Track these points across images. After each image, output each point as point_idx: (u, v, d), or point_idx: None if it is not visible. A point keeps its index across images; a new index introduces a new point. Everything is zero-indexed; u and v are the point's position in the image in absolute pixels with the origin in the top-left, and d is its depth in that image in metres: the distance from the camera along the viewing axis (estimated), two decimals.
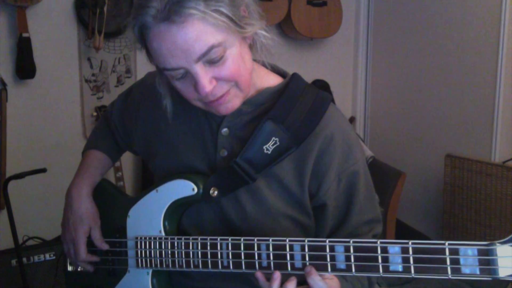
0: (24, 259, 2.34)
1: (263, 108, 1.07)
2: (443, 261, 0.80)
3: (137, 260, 1.16)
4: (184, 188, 1.09)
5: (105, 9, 2.72)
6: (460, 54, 2.98)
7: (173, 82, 1.00)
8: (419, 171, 3.29)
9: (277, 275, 0.92)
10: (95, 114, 2.87)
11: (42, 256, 2.45)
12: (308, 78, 4.01)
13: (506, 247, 0.76)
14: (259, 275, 0.95)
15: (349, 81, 3.76)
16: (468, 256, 0.78)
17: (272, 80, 1.12)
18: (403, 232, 3.25)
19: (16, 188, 2.27)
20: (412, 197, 3.32)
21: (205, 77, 0.94)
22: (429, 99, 3.23)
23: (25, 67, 2.61)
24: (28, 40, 2.59)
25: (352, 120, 3.74)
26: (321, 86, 3.55)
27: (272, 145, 1.04)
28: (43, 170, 2.21)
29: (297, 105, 1.05)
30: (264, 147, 1.04)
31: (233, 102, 1.01)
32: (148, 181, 2.98)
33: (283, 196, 1.07)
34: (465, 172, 2.84)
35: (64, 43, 2.81)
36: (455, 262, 0.79)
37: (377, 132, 3.71)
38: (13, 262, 2.36)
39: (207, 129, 1.12)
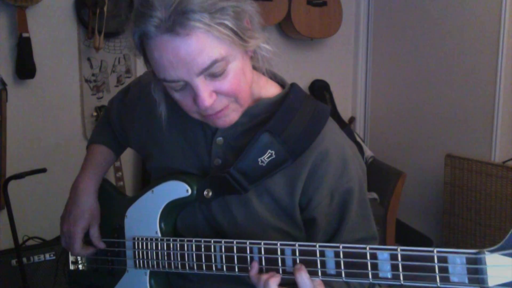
0: (24, 259, 2.35)
1: (259, 119, 1.06)
2: (432, 269, 0.79)
3: (134, 261, 1.17)
4: (178, 189, 1.09)
5: (105, 9, 2.72)
6: (460, 54, 2.98)
7: (172, 93, 0.98)
8: (419, 171, 3.29)
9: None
10: (95, 114, 2.88)
11: (42, 256, 2.45)
12: (308, 78, 3.98)
13: (495, 255, 0.75)
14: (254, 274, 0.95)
15: (349, 81, 3.75)
16: (457, 264, 0.77)
17: (270, 90, 1.10)
18: (403, 232, 3.25)
19: (16, 188, 2.27)
20: (412, 197, 3.32)
21: (206, 91, 0.93)
22: (429, 99, 3.23)
23: (25, 67, 2.61)
24: (28, 40, 2.59)
25: (352, 120, 3.74)
26: (321, 86, 3.55)
27: (268, 157, 1.02)
28: (43, 170, 2.21)
29: (295, 118, 1.03)
30: (259, 159, 1.02)
31: (231, 116, 1.00)
32: (148, 182, 2.97)
33: (273, 208, 1.06)
34: (465, 172, 2.83)
35: (64, 43, 2.81)
36: (443, 270, 0.78)
37: (377, 132, 3.71)
38: (13, 262, 2.37)
39: (201, 137, 1.11)
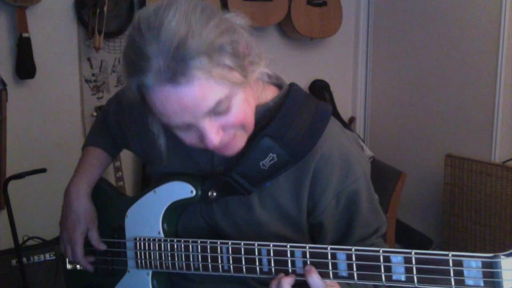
0: (24, 259, 2.34)
1: (260, 126, 1.03)
2: (447, 272, 0.79)
3: (136, 261, 1.16)
4: (182, 190, 1.09)
5: (105, 9, 2.71)
6: (460, 54, 2.98)
7: (175, 131, 0.96)
8: (419, 171, 3.29)
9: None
10: (95, 114, 2.87)
11: (42, 256, 2.45)
12: (308, 78, 3.98)
13: (511, 259, 0.75)
14: None
15: (349, 81, 3.75)
16: (472, 268, 0.77)
17: (268, 94, 1.07)
18: (403, 232, 3.25)
19: (16, 188, 2.27)
20: (412, 197, 3.32)
21: (212, 130, 0.91)
22: (429, 99, 3.23)
23: (25, 67, 2.60)
24: (28, 40, 2.58)
25: (352, 120, 3.74)
26: (321, 86, 3.55)
27: (270, 161, 1.01)
28: (43, 170, 2.21)
29: (296, 120, 1.01)
30: (261, 163, 1.01)
31: (239, 144, 0.99)
32: (148, 182, 2.97)
33: (277, 215, 1.06)
34: (465, 172, 2.83)
35: (64, 43, 2.80)
36: (458, 273, 0.78)
37: (377, 132, 3.71)
38: (13, 262, 2.36)
39: (202, 150, 1.07)
